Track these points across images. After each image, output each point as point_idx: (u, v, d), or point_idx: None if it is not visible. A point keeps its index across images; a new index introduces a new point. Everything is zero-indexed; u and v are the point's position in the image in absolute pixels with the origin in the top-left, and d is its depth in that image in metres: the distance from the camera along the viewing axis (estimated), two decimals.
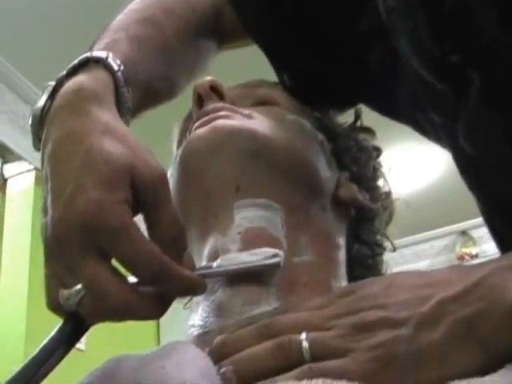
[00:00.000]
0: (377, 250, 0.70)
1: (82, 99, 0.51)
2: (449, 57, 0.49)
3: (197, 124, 0.63)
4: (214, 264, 0.55)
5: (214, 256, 0.58)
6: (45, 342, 0.48)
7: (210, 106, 0.64)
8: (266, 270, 0.55)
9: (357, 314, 0.45)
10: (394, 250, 0.73)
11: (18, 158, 2.58)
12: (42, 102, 0.55)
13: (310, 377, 0.42)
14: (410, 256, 4.22)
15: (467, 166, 0.56)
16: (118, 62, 0.56)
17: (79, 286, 0.45)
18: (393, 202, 0.73)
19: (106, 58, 0.56)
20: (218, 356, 0.48)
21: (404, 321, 0.43)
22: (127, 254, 0.45)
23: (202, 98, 0.65)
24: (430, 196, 3.61)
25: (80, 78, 0.54)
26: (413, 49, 0.53)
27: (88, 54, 0.56)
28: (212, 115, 0.62)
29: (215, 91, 0.65)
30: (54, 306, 0.48)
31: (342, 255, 0.63)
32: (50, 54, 2.33)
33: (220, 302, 0.56)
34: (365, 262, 0.69)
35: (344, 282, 0.61)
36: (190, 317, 0.59)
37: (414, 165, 3.41)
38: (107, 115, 0.51)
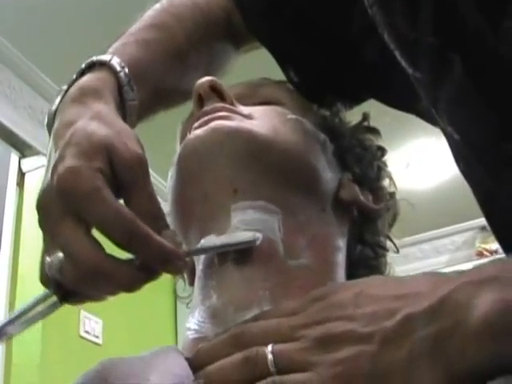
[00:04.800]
0: (379, 251, 0.69)
1: (82, 94, 0.56)
2: (426, 39, 0.49)
3: (196, 124, 0.62)
4: (198, 245, 0.58)
5: (210, 259, 0.58)
6: (28, 303, 0.50)
7: (209, 107, 0.63)
8: (242, 247, 0.56)
9: (324, 325, 0.45)
10: (398, 251, 0.72)
11: (36, 152, 2.60)
12: (55, 105, 0.58)
13: None
14: (430, 251, 4.19)
15: (457, 153, 0.55)
16: (122, 64, 0.60)
17: (61, 253, 0.47)
18: (397, 202, 0.72)
19: (110, 60, 0.59)
20: (194, 366, 0.49)
21: (369, 336, 0.43)
22: (99, 216, 0.46)
23: (203, 98, 0.65)
24: (450, 191, 3.57)
25: (84, 78, 0.59)
26: (393, 39, 0.53)
27: (94, 58, 0.60)
28: (211, 115, 0.62)
29: (215, 91, 0.65)
30: (43, 277, 0.50)
31: (341, 257, 0.62)
32: (67, 49, 2.34)
33: (214, 308, 0.56)
34: (368, 263, 0.68)
35: None
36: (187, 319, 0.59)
37: (434, 159, 3.39)
38: (102, 106, 0.55)
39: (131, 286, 0.48)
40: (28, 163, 2.66)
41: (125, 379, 0.46)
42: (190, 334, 0.56)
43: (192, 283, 0.69)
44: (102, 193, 0.47)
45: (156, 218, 0.50)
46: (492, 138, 0.49)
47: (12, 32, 2.35)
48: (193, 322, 0.57)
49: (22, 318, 0.49)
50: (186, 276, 0.70)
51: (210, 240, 0.57)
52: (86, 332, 2.56)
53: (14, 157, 2.68)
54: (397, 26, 0.52)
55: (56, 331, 2.36)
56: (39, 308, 0.50)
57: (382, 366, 0.41)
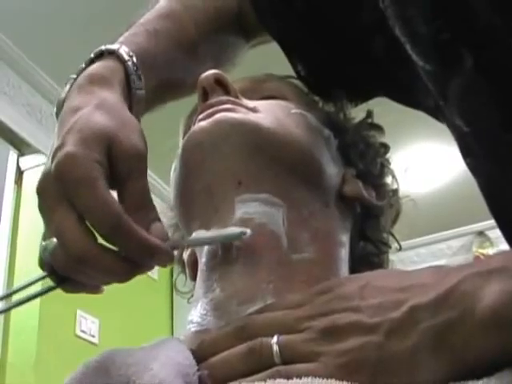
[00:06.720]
0: (382, 248, 0.69)
1: (89, 82, 0.57)
2: (439, 34, 0.49)
3: (200, 116, 0.62)
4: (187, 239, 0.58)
5: (213, 252, 0.58)
6: (25, 281, 0.51)
7: (214, 99, 0.63)
8: (228, 241, 0.56)
9: (330, 316, 0.45)
10: (400, 248, 0.71)
11: (35, 150, 2.60)
12: (64, 92, 0.58)
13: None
14: (427, 255, 4.19)
15: (464, 147, 0.55)
16: (130, 53, 0.60)
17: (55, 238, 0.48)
18: (399, 199, 0.72)
19: (118, 49, 0.60)
20: (198, 358, 0.49)
21: (375, 326, 0.43)
22: (88, 204, 0.47)
23: (207, 92, 0.64)
24: (448, 196, 3.58)
25: (92, 67, 0.59)
26: (404, 32, 0.53)
27: (102, 47, 0.61)
28: (215, 108, 0.62)
29: (220, 84, 0.64)
30: (40, 260, 0.51)
31: (344, 252, 0.62)
32: (66, 47, 2.34)
33: (217, 301, 0.55)
34: (370, 260, 0.68)
35: None
36: (190, 312, 0.59)
37: (432, 164, 3.39)
38: (107, 93, 0.55)
39: (118, 275, 0.49)
40: (26, 161, 2.65)
41: (126, 368, 0.46)
42: (192, 327, 0.56)
43: (194, 278, 0.69)
44: (94, 182, 0.47)
45: (146, 210, 0.50)
46: (502, 130, 0.49)
47: (11, 29, 2.35)
48: (195, 314, 0.56)
49: (17, 295, 0.50)
50: (187, 270, 0.70)
51: (200, 234, 0.57)
52: (83, 331, 2.55)
53: (13, 154, 2.68)
54: (408, 19, 0.52)
55: (52, 330, 2.35)
56: (36, 288, 0.51)
57: (387, 356, 0.41)
